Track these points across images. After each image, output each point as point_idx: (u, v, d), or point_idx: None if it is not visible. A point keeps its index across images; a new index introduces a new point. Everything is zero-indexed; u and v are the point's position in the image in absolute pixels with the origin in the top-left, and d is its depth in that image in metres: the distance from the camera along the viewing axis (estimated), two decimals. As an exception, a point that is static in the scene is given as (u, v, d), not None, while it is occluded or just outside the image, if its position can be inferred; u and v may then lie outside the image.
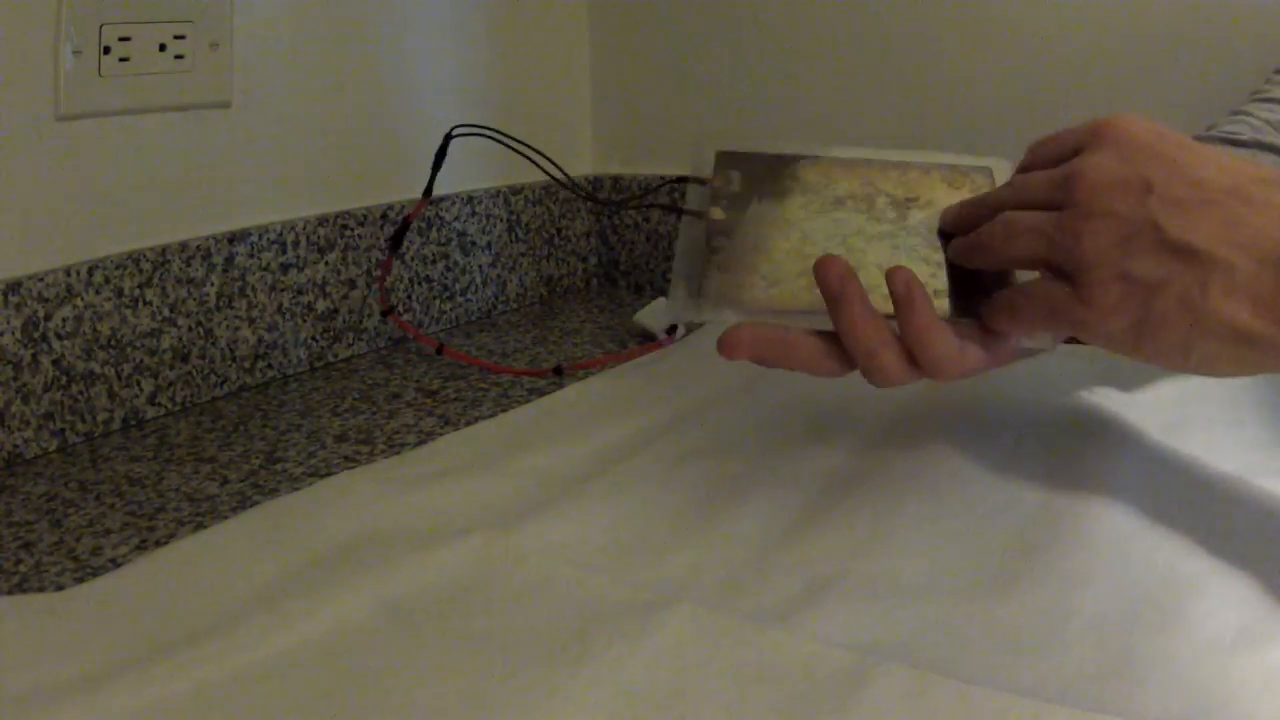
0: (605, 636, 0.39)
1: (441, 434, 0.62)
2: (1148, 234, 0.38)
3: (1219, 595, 0.40)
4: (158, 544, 0.48)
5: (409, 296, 0.82)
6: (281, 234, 0.72)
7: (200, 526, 0.50)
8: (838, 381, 0.68)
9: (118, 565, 0.46)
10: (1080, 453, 0.52)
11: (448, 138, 0.68)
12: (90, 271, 0.61)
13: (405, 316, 0.82)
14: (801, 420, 0.61)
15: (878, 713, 0.34)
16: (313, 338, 0.76)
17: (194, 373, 0.68)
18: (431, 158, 0.70)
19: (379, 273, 0.77)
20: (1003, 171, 0.47)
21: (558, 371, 0.72)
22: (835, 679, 0.36)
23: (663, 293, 0.96)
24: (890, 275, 0.42)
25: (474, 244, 0.87)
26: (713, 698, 0.36)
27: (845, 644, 0.38)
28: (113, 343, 0.63)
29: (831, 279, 0.41)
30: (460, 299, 0.87)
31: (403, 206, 0.80)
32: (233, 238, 0.69)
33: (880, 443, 0.57)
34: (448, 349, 0.77)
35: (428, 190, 0.73)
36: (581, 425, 0.61)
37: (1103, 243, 0.38)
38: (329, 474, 0.56)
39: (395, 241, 0.76)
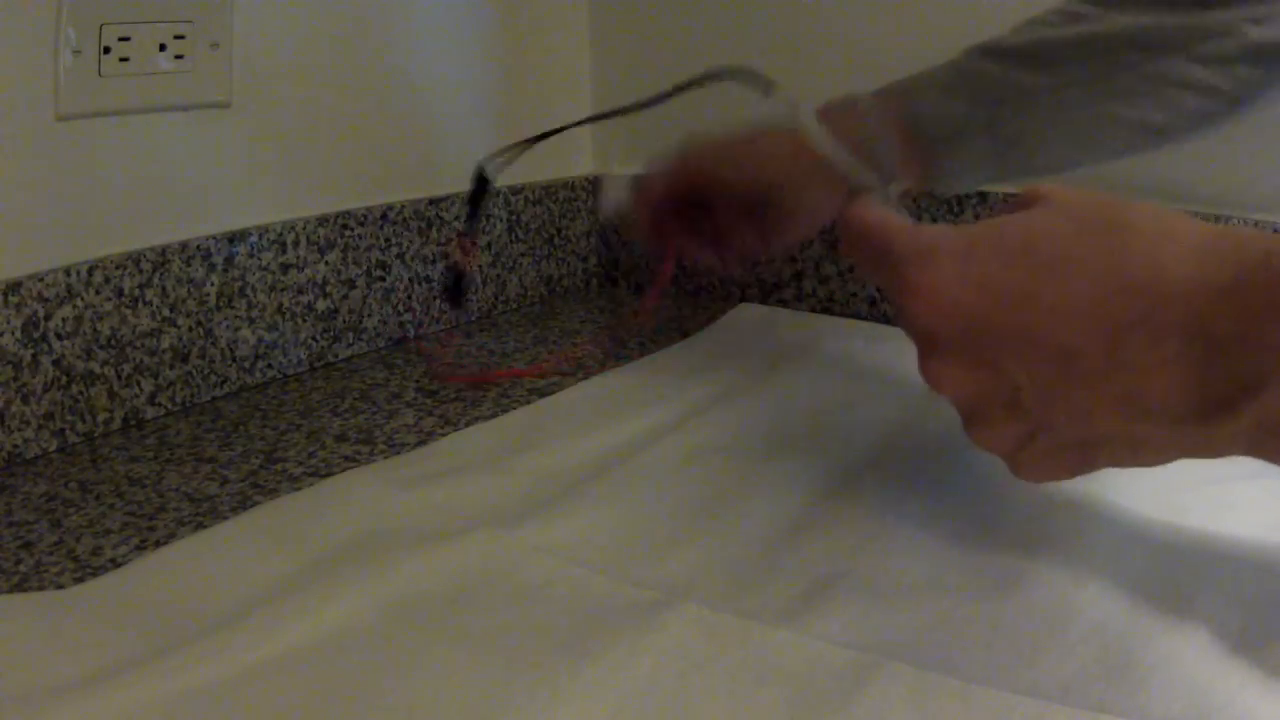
0: (608, 636, 0.39)
1: (441, 434, 0.62)
2: (1043, 442, 0.37)
3: (1220, 596, 0.40)
4: (158, 544, 0.48)
5: (409, 297, 0.82)
6: (281, 234, 0.72)
7: (200, 526, 0.50)
8: (838, 382, 0.69)
9: (118, 565, 0.46)
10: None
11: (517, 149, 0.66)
12: (90, 271, 0.61)
13: (405, 316, 0.82)
14: (803, 420, 0.61)
15: (880, 712, 0.34)
16: (313, 338, 0.76)
17: (194, 373, 0.68)
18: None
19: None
20: None
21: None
22: (837, 678, 0.36)
23: (660, 292, 0.96)
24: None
25: (474, 244, 0.87)
26: (715, 697, 0.36)
27: (848, 643, 0.38)
28: (113, 343, 0.63)
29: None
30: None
31: (403, 206, 0.80)
32: (233, 238, 0.69)
33: (883, 442, 0.57)
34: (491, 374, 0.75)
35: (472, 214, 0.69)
36: (582, 425, 0.61)
37: (1000, 449, 0.38)
38: (329, 474, 0.56)
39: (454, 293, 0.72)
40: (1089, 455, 0.37)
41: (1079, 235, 0.35)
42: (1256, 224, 0.68)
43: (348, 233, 0.77)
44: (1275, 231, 0.68)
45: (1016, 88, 0.56)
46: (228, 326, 0.70)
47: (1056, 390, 0.35)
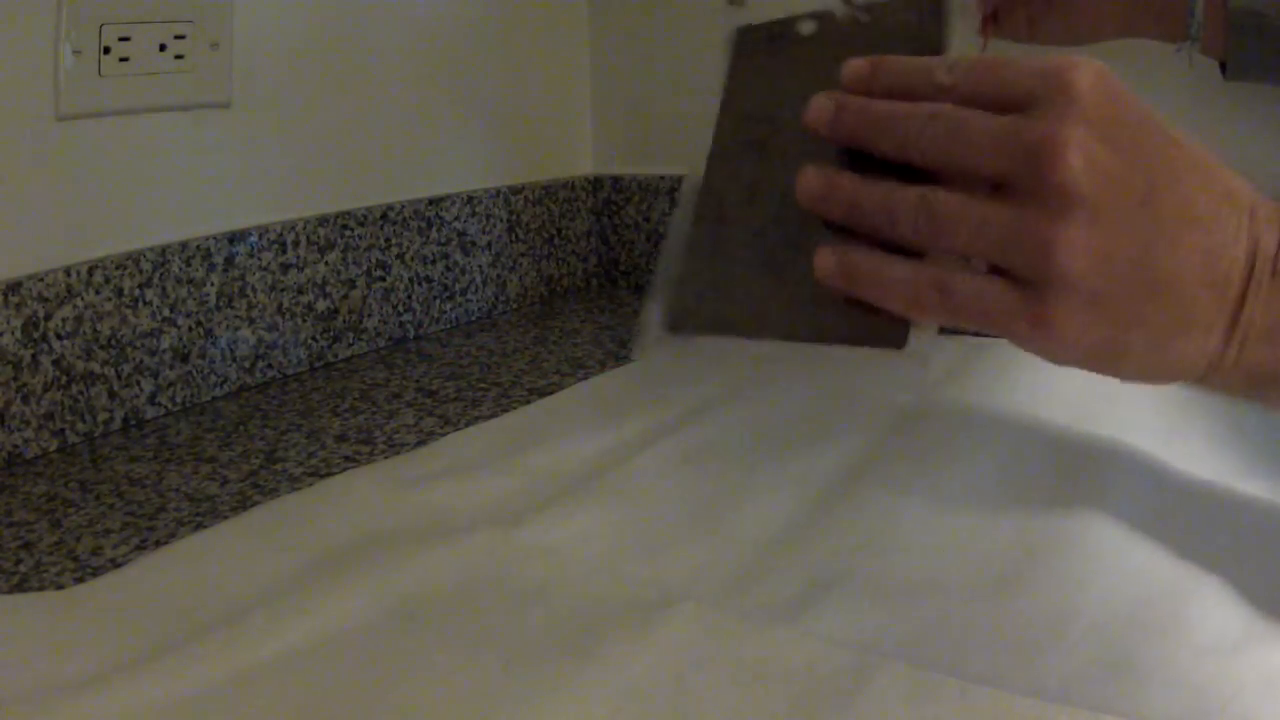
0: (608, 635, 0.39)
1: (441, 434, 0.62)
2: (1134, 257, 0.31)
3: (1220, 596, 0.40)
4: (158, 544, 0.48)
5: (409, 296, 0.82)
6: (281, 234, 0.72)
7: (200, 526, 0.50)
8: (840, 382, 0.68)
9: (118, 565, 0.46)
10: (1082, 454, 0.52)
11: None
12: (90, 271, 0.61)
13: (405, 316, 0.82)
14: (804, 420, 0.61)
15: (880, 711, 0.34)
16: (313, 338, 0.76)
17: (194, 373, 0.68)
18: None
19: None
20: None
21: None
22: (837, 677, 0.36)
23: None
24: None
25: (474, 244, 0.87)
26: (715, 696, 0.36)
27: (847, 643, 0.38)
28: (113, 343, 0.63)
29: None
30: (460, 299, 0.87)
31: (403, 206, 0.80)
32: (233, 238, 0.69)
33: (883, 443, 0.57)
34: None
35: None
36: (582, 425, 0.61)
37: (1080, 261, 0.31)
38: (329, 474, 0.56)
39: None
40: (1128, 331, 0.33)
41: (1164, 126, 0.33)
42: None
43: (348, 233, 0.77)
44: None
45: None
46: (228, 326, 0.70)
47: (1172, 212, 0.32)
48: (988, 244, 0.32)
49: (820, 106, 0.34)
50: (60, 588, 0.45)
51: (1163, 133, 0.32)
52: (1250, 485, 0.48)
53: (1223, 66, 0.59)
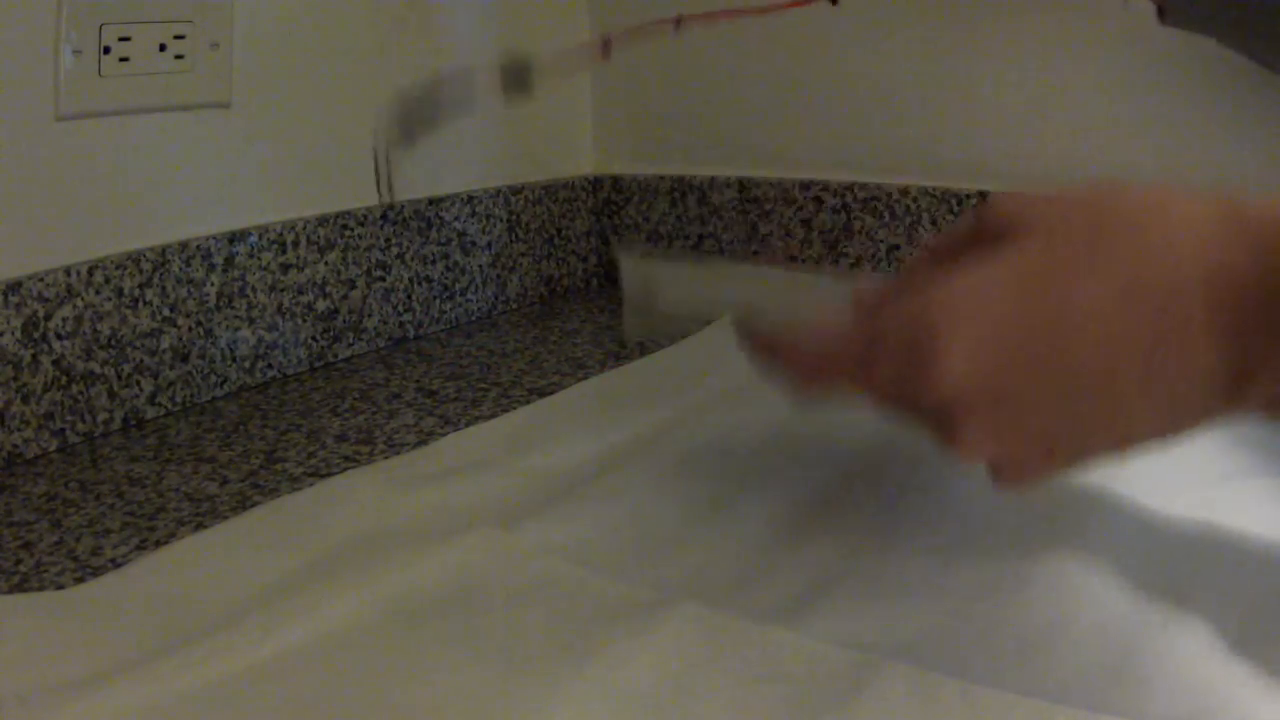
0: (608, 636, 0.39)
1: (441, 434, 0.62)
2: (1061, 457, 0.36)
3: (1220, 596, 0.40)
4: (158, 544, 0.48)
5: (409, 296, 0.82)
6: (281, 234, 0.72)
7: (200, 526, 0.50)
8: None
9: (118, 565, 0.46)
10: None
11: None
12: (90, 271, 0.61)
13: (405, 316, 0.82)
14: (804, 420, 0.61)
15: (881, 712, 0.34)
16: (313, 338, 0.76)
17: (194, 373, 0.68)
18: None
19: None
20: None
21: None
22: (839, 678, 0.36)
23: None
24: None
25: (474, 244, 0.87)
26: (716, 697, 0.36)
27: (849, 643, 0.38)
28: (113, 343, 0.63)
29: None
30: (460, 299, 0.87)
31: (403, 206, 0.80)
32: (233, 238, 0.69)
33: (885, 442, 0.57)
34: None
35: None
36: (583, 425, 0.61)
37: (1020, 478, 0.37)
38: (329, 474, 0.56)
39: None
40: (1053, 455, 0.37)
41: (1085, 253, 0.33)
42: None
43: (348, 233, 0.77)
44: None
45: None
46: (228, 326, 0.70)
47: (1098, 418, 0.34)
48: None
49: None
50: (60, 588, 0.45)
51: (1044, 326, 0.33)
52: (1252, 483, 0.48)
53: (1160, 12, 0.55)
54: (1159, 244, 0.33)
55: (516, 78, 0.44)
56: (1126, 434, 0.35)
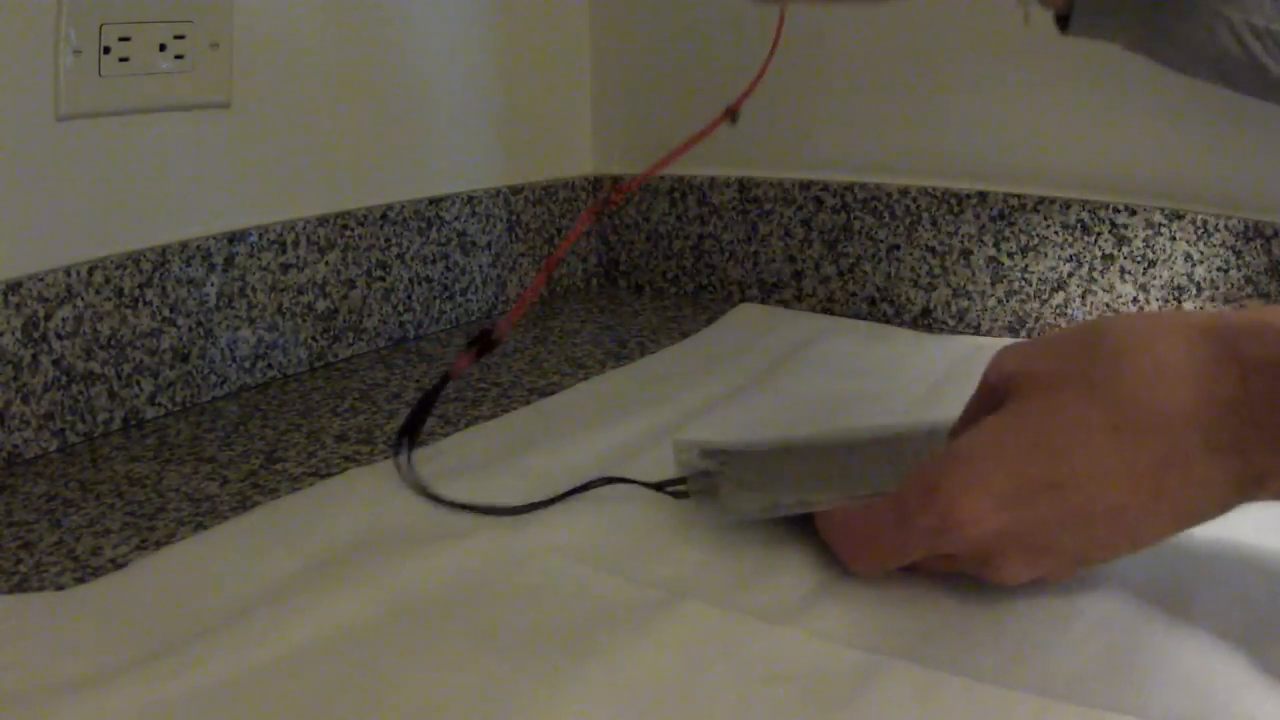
0: (611, 634, 0.39)
1: (442, 434, 0.62)
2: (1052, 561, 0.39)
3: (1220, 595, 0.40)
4: (158, 544, 0.48)
5: (409, 297, 0.82)
6: (281, 234, 0.72)
7: (200, 526, 0.50)
8: (838, 382, 0.68)
9: (118, 565, 0.46)
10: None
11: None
12: (90, 271, 0.61)
13: (405, 316, 0.82)
14: (803, 420, 0.61)
15: (885, 710, 0.34)
16: (313, 338, 0.75)
17: (194, 373, 0.68)
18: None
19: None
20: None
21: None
22: (843, 676, 0.36)
23: (660, 292, 0.96)
24: None
25: (474, 244, 0.87)
26: (720, 695, 0.36)
27: (852, 642, 0.38)
28: (113, 343, 0.63)
29: None
30: (460, 299, 0.87)
31: (403, 206, 0.80)
32: (233, 238, 0.69)
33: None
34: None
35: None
36: (583, 425, 0.61)
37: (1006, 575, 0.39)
38: (329, 474, 0.56)
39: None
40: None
41: (1081, 399, 0.36)
42: (1258, 224, 0.68)
43: (348, 233, 0.77)
44: (1251, 297, 0.69)
45: None
46: (228, 326, 0.69)
47: (1120, 536, 0.37)
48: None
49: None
50: (60, 588, 0.45)
51: (1060, 475, 0.37)
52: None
53: (1061, 21, 0.54)
54: (1150, 375, 0.36)
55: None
56: (1149, 539, 0.38)
